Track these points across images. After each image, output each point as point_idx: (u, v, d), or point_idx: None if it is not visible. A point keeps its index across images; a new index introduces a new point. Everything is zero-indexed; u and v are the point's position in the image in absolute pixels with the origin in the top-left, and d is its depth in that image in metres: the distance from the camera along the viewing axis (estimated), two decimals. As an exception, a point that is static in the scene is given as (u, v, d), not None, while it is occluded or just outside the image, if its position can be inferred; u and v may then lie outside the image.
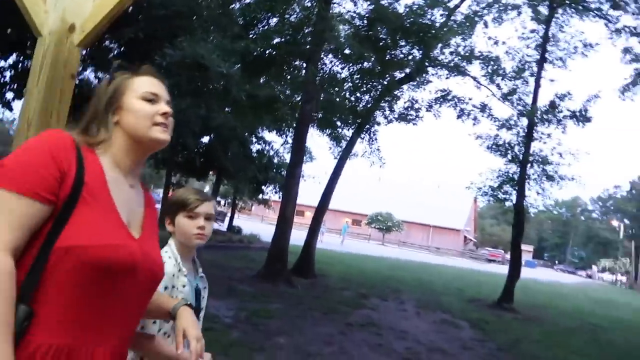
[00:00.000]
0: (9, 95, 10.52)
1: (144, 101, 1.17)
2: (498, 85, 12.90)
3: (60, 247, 0.98)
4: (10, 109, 10.98)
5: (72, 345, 0.97)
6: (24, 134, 1.73)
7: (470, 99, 13.41)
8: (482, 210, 70.36)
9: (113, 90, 1.18)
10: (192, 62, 8.75)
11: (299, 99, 11.89)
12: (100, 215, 1.05)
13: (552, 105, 12.39)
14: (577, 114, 12.23)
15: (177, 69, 8.49)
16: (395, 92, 12.97)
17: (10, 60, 10.04)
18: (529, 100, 12.89)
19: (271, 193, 20.35)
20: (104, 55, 10.19)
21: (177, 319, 1.30)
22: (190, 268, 1.72)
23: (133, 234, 1.11)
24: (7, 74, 10.21)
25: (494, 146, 13.36)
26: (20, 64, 10.03)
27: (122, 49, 10.22)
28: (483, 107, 13.21)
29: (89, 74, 11.54)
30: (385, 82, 12.27)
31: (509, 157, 13.23)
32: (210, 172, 20.15)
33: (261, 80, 11.44)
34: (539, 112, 12.31)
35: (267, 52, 10.76)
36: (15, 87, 10.23)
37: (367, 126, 13.33)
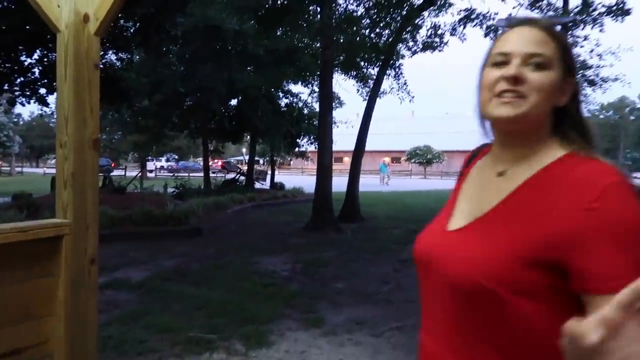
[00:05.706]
0: (42, 90, 10.80)
1: (494, 67, 0.87)
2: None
3: None
4: (46, 104, 11.29)
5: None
6: (63, 130, 1.81)
7: (496, 14, 12.74)
8: (523, 127, 68.17)
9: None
10: (206, 26, 8.68)
11: (318, 45, 11.65)
12: (444, 207, 1.00)
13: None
14: (614, 8, 11.43)
15: (192, 36, 8.47)
16: (416, 21, 12.47)
17: (36, 55, 10.23)
18: (559, 3, 12.13)
19: (307, 144, 20.41)
20: (121, 36, 10.24)
21: None
22: None
23: (449, 226, 0.92)
24: (36, 70, 10.45)
25: (527, 59, 12.79)
26: (46, 59, 10.24)
27: (137, 26, 10.22)
28: (511, 20, 12.52)
29: (110, 56, 11.68)
30: (404, 12, 11.79)
31: (545, 68, 12.65)
32: (245, 134, 20.34)
33: (278, 33, 11.24)
34: (571, 15, 11.59)
35: (279, 2, 10.49)
36: (46, 82, 10.48)
37: (392, 62, 12.97)
